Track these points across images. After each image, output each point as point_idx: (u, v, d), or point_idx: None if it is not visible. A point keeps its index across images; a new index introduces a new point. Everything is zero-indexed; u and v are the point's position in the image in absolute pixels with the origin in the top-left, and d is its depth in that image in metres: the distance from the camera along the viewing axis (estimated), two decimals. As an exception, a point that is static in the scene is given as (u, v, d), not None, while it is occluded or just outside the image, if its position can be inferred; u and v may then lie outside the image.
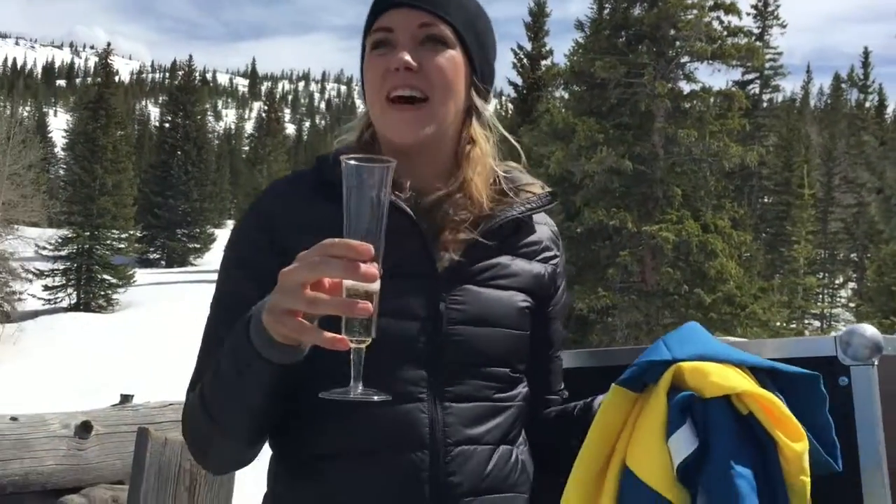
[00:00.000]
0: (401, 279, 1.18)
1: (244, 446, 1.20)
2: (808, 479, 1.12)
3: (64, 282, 39.07)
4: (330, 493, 1.19)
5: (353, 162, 0.95)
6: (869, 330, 1.30)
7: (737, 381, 1.15)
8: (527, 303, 1.31)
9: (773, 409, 1.13)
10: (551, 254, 1.38)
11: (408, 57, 1.23)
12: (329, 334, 0.95)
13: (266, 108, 53.65)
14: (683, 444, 1.12)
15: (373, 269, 0.94)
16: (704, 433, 1.13)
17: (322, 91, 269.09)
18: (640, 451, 1.16)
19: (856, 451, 1.27)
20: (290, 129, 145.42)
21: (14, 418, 2.92)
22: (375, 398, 0.99)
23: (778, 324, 20.10)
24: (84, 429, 3.01)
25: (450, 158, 1.32)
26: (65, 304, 38.35)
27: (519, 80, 27.20)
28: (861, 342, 1.28)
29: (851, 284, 37.00)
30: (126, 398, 3.32)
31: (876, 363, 1.28)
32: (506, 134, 1.38)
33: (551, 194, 1.37)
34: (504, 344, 1.27)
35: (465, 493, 1.20)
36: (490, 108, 1.36)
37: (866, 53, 46.42)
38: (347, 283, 0.94)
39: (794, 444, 1.12)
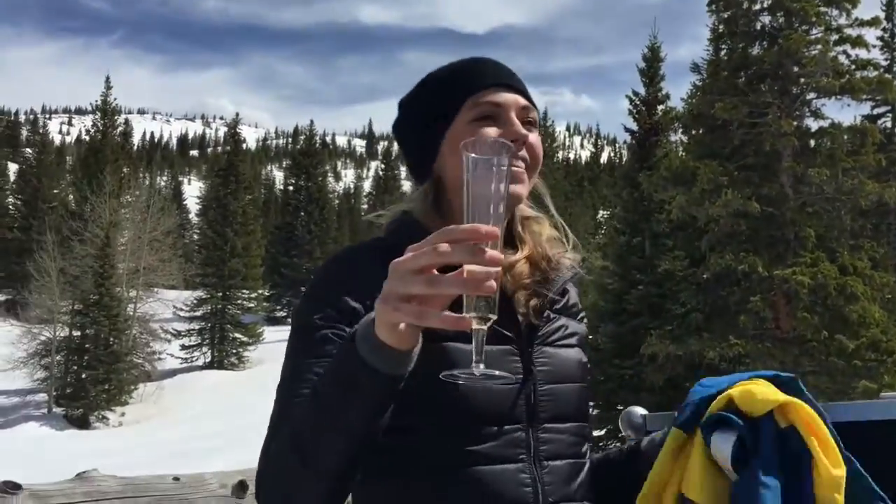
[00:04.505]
0: (495, 341, 1.22)
1: (337, 488, 1.12)
2: (841, 499, 1.13)
3: (199, 341, 40.95)
4: None
5: (472, 155, 0.96)
6: None
7: (780, 395, 1.21)
8: (585, 358, 1.41)
9: (813, 426, 1.18)
10: (582, 312, 1.49)
11: (525, 132, 1.33)
12: (451, 314, 0.91)
13: (383, 166, 55.14)
14: (723, 443, 1.18)
15: (497, 252, 0.91)
16: (754, 449, 1.18)
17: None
18: (690, 475, 1.22)
19: None
20: (406, 185, 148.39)
21: (176, 478, 3.03)
22: (497, 373, 0.96)
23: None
24: (240, 488, 3.09)
25: (511, 229, 1.39)
26: (200, 362, 40.09)
27: (635, 126, 26.92)
28: None
29: None
30: (278, 458, 3.39)
31: None
32: (550, 206, 1.44)
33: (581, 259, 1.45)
34: (581, 398, 1.35)
35: None
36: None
37: None
38: (468, 266, 0.90)
39: (833, 468, 1.14)
